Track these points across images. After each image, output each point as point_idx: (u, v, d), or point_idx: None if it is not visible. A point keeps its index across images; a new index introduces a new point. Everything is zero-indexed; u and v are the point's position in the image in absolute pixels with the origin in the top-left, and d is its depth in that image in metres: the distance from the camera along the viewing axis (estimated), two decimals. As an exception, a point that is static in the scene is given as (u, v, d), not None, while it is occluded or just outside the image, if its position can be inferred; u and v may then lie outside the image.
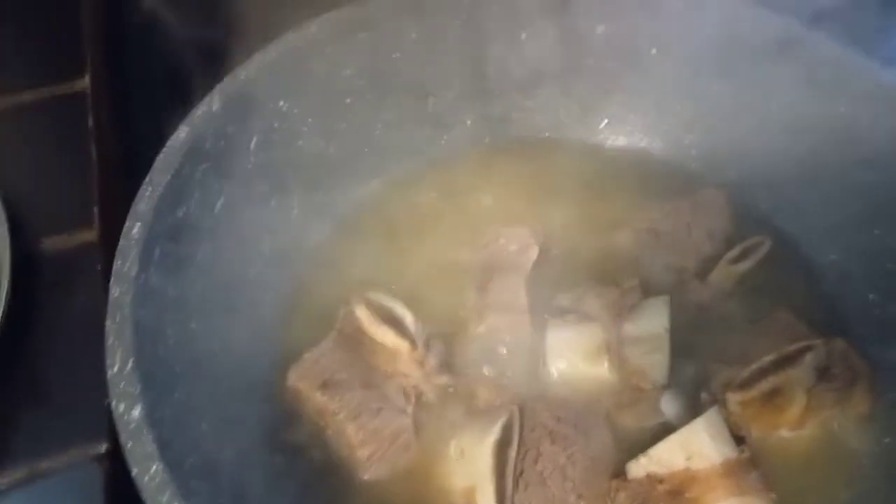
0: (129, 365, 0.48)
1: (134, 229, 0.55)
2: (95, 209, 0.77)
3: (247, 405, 0.60)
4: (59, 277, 0.72)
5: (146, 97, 0.94)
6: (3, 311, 0.64)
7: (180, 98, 0.71)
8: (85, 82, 0.89)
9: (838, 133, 0.70)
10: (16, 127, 0.85)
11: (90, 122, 0.85)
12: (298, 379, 0.61)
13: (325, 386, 0.61)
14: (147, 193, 0.57)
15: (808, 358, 0.60)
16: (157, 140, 0.63)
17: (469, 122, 0.82)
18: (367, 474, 0.59)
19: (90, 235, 0.75)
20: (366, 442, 0.59)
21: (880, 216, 0.68)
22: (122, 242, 0.55)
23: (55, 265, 0.73)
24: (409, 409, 0.61)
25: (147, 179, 0.59)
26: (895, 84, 0.66)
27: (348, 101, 0.74)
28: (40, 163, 0.82)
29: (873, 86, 0.67)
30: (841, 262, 0.71)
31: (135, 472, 0.44)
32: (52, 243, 0.74)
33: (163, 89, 0.93)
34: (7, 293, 0.65)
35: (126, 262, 0.53)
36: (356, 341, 0.65)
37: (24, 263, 0.69)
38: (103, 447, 0.61)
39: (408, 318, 0.64)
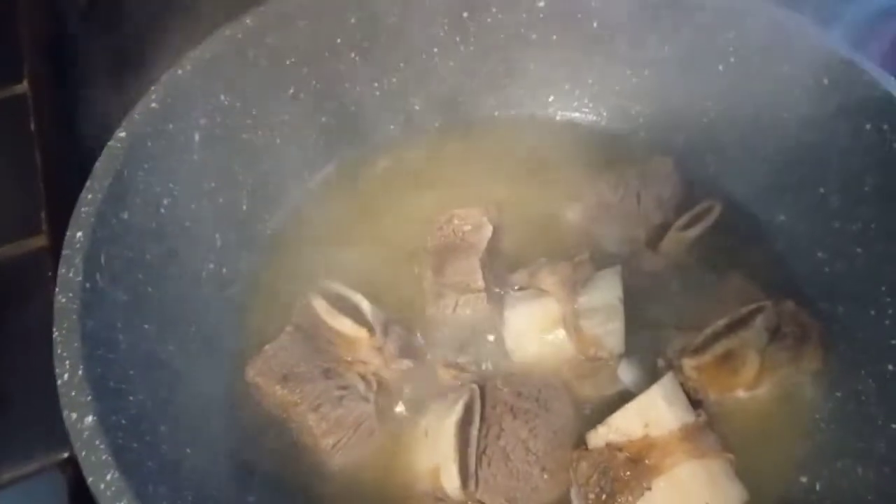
0: (79, 373, 0.48)
1: (77, 236, 0.55)
2: (43, 214, 0.76)
3: (207, 403, 0.60)
4: (10, 287, 0.71)
5: (90, 98, 0.92)
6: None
7: (124, 97, 0.70)
8: (24, 86, 0.87)
9: (780, 94, 0.70)
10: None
11: (32, 126, 0.84)
12: (257, 374, 0.61)
13: (284, 379, 0.60)
14: (88, 198, 0.56)
15: (759, 320, 0.61)
16: (105, 140, 0.62)
17: (417, 107, 0.82)
18: (334, 462, 0.59)
19: (40, 242, 0.74)
20: (329, 431, 0.59)
21: (824, 175, 0.69)
22: (65, 251, 0.54)
23: (6, 275, 0.72)
24: (371, 396, 0.61)
25: (87, 184, 0.58)
26: (832, 43, 0.66)
27: (292, 90, 0.74)
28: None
29: (811, 45, 0.68)
30: (789, 223, 0.72)
31: (90, 480, 0.44)
32: (2, 253, 0.73)
33: (106, 89, 0.91)
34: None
35: (70, 270, 0.53)
36: (314, 333, 0.65)
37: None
38: (66, 454, 0.61)
39: (364, 305, 0.65)
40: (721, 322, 0.62)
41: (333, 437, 0.59)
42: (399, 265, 0.70)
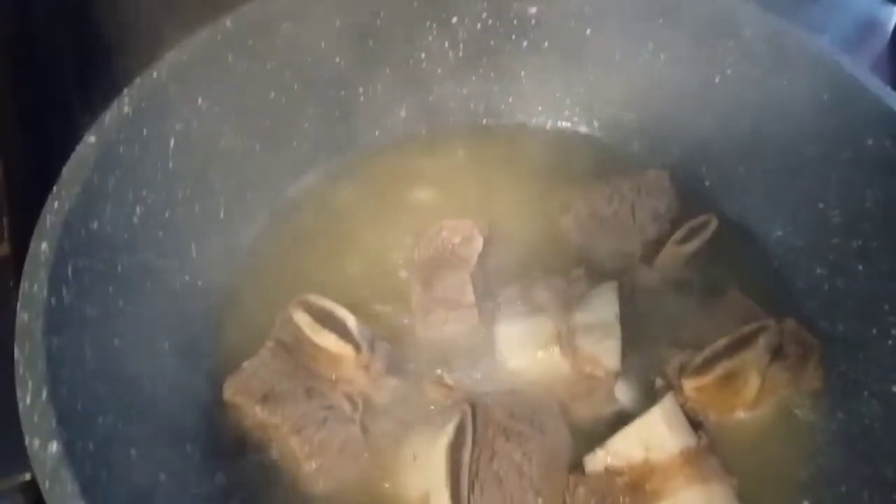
0: (43, 396, 0.44)
1: (41, 248, 0.51)
2: (5, 220, 0.72)
3: (182, 424, 0.56)
4: (-32, 299, 0.67)
5: (56, 102, 0.88)
6: None
7: (93, 100, 0.66)
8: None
9: (779, 107, 0.69)
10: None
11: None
12: (236, 393, 0.58)
13: (265, 399, 0.57)
14: (55, 207, 0.53)
15: (762, 339, 0.59)
16: (72, 145, 0.59)
17: (403, 113, 0.79)
18: (317, 487, 0.56)
19: (1, 251, 0.70)
20: (312, 454, 0.55)
21: (824, 190, 0.67)
22: (28, 264, 0.50)
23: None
24: (357, 417, 0.58)
25: (54, 192, 0.54)
26: (833, 56, 0.65)
27: (272, 95, 0.71)
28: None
29: (812, 58, 0.66)
30: (787, 238, 0.70)
31: (55, 512, 0.40)
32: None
33: (74, 91, 0.88)
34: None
35: (34, 285, 0.49)
36: (296, 349, 0.61)
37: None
38: (28, 475, 0.57)
39: (350, 320, 0.61)
40: (722, 342, 0.60)
41: (317, 460, 0.56)
42: (385, 279, 0.67)
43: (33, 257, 0.50)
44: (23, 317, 0.47)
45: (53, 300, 0.49)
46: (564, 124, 0.81)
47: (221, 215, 0.68)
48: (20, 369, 0.45)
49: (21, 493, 0.57)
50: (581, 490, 0.55)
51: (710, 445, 0.56)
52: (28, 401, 0.44)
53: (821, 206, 0.67)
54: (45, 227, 0.52)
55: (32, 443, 0.43)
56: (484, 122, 0.81)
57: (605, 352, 0.62)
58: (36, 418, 0.44)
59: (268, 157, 0.71)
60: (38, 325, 0.47)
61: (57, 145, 0.79)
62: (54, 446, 0.43)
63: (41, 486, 0.42)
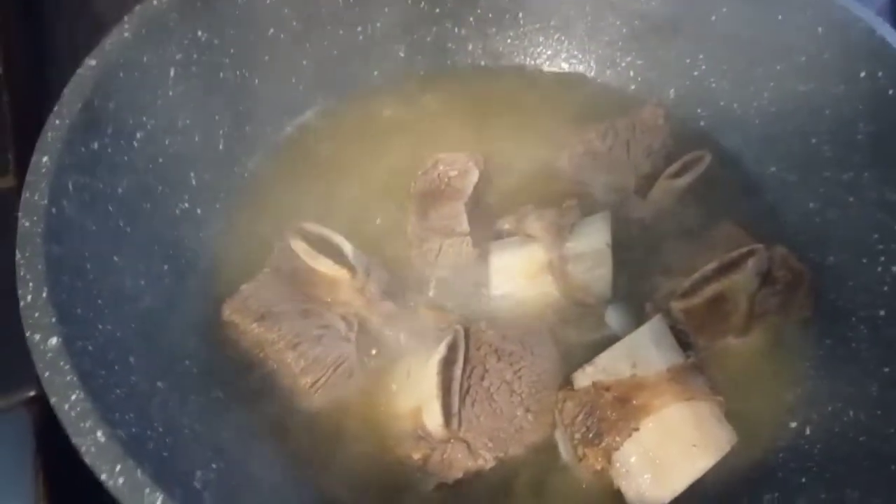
0: (43, 295, 0.45)
1: (42, 161, 0.52)
2: (10, 155, 0.73)
3: (180, 340, 0.57)
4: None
5: (60, 39, 0.89)
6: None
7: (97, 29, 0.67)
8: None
9: (775, 43, 0.70)
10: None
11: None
12: (234, 312, 0.59)
13: (262, 318, 0.58)
14: (56, 123, 0.54)
15: (751, 263, 0.60)
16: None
17: (402, 53, 0.79)
18: (311, 403, 0.57)
19: (7, 183, 0.71)
20: (308, 370, 0.57)
21: (816, 125, 0.68)
22: (29, 176, 0.51)
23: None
24: (352, 336, 0.59)
25: (55, 110, 0.55)
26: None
27: (272, 31, 0.71)
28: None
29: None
30: (780, 173, 0.71)
31: (53, 401, 0.42)
32: (-34, 193, 0.70)
33: (79, 31, 0.88)
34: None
35: (35, 194, 0.50)
36: (293, 274, 0.63)
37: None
38: (30, 392, 0.58)
39: (346, 246, 0.62)
40: (711, 266, 0.60)
41: (312, 375, 0.57)
42: (381, 210, 0.68)
43: (34, 168, 0.51)
44: (23, 223, 0.49)
45: (54, 209, 0.50)
46: (562, 65, 0.81)
47: (220, 147, 0.69)
48: (21, 271, 0.47)
49: (26, 407, 0.58)
50: (569, 404, 0.56)
51: (697, 364, 0.57)
52: (29, 299, 0.45)
53: (813, 140, 0.68)
54: (45, 141, 0.53)
55: (33, 337, 0.44)
56: (482, 63, 0.81)
57: (597, 279, 0.63)
58: (36, 314, 0.45)
59: (267, 92, 0.72)
60: (37, 230, 0.48)
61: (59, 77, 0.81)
62: (54, 340, 0.44)
63: (41, 377, 0.43)
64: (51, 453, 0.57)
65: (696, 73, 0.76)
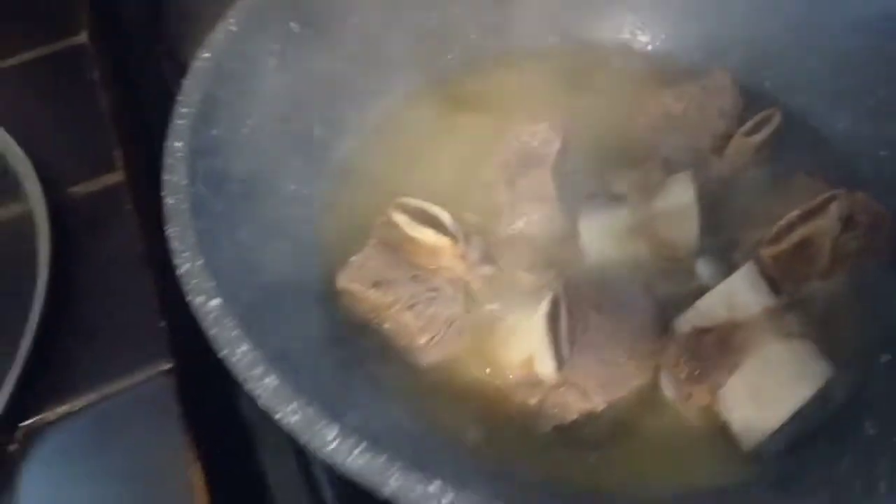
0: (199, 263, 0.50)
1: (176, 145, 0.57)
2: (116, 153, 0.78)
3: (303, 309, 0.61)
4: (93, 219, 0.73)
5: (144, 49, 0.95)
6: (50, 259, 0.66)
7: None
8: (82, 37, 0.90)
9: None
10: (22, 84, 0.86)
11: (94, 74, 0.86)
12: (349, 281, 0.63)
13: (376, 284, 0.62)
14: (183, 111, 0.59)
15: (833, 207, 0.63)
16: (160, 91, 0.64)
17: (473, 36, 0.83)
18: (428, 359, 0.61)
19: (116, 177, 0.77)
20: (424, 329, 0.61)
21: (880, 78, 0.71)
22: (167, 159, 0.56)
23: (87, 209, 0.74)
24: (459, 298, 0.63)
25: (179, 100, 0.60)
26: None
27: (356, 20, 0.75)
28: (52, 117, 0.83)
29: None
30: (849, 128, 0.74)
31: (223, 353, 0.46)
32: (81, 189, 0.76)
33: (160, 43, 0.94)
34: (49, 242, 0.67)
35: (174, 175, 0.55)
36: (396, 246, 0.66)
37: (58, 211, 0.71)
38: (167, 366, 0.63)
39: (444, 216, 0.66)
40: (795, 212, 0.63)
41: (428, 333, 0.61)
42: (470, 182, 0.72)
43: (170, 152, 0.56)
44: (169, 201, 0.53)
45: (193, 189, 0.55)
46: (628, 36, 0.84)
47: (316, 132, 0.73)
48: (174, 243, 0.51)
49: (165, 379, 0.63)
50: (672, 348, 0.59)
51: (789, 305, 0.60)
52: (187, 267, 0.50)
53: (881, 93, 0.71)
54: (176, 127, 0.57)
55: (195, 300, 0.49)
56: (550, 40, 0.85)
57: (684, 234, 0.66)
58: (195, 280, 0.49)
59: (353, 78, 0.76)
60: (184, 206, 0.53)
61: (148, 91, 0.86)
62: (215, 301, 0.48)
63: (207, 334, 0.47)
64: (194, 416, 0.62)
65: (757, 37, 0.79)
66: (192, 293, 0.49)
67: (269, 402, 0.44)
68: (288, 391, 0.44)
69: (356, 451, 0.42)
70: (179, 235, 0.51)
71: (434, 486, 0.40)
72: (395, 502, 0.41)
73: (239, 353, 0.46)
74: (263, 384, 0.45)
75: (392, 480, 0.41)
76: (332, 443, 0.42)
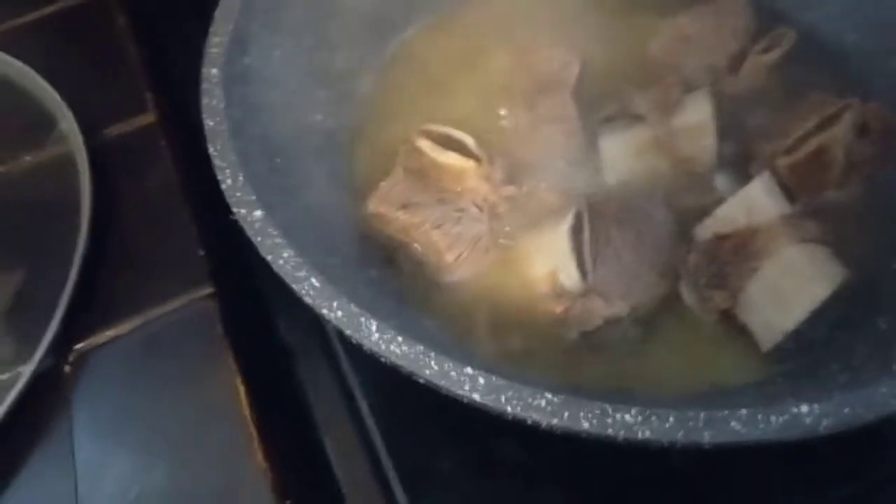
0: (240, 178, 0.53)
1: (212, 72, 0.59)
2: (148, 95, 0.81)
3: (338, 230, 0.64)
4: (127, 159, 0.76)
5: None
6: (92, 194, 0.69)
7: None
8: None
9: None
10: (56, 33, 0.88)
11: (121, 21, 0.88)
12: (379, 204, 0.66)
13: (405, 206, 0.65)
14: (216, 41, 0.61)
15: (847, 116, 0.64)
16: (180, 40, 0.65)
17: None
18: (456, 276, 0.64)
19: (148, 119, 0.79)
20: (452, 246, 0.63)
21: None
22: (204, 84, 0.59)
23: (122, 149, 0.77)
24: (485, 217, 0.66)
25: (211, 30, 0.62)
26: None
27: (370, -43, 0.77)
28: (86, 63, 0.86)
29: None
30: (861, 41, 0.75)
31: (269, 258, 0.49)
32: (116, 131, 0.78)
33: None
34: (90, 179, 0.70)
35: (213, 99, 0.57)
36: (422, 171, 0.69)
37: (97, 152, 0.74)
38: (207, 290, 0.66)
39: (468, 140, 0.68)
40: (811, 123, 0.65)
41: (455, 251, 0.63)
42: (493, 107, 0.74)
43: (206, 77, 0.58)
44: (209, 122, 0.56)
45: (230, 111, 0.57)
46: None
47: (339, 65, 0.75)
48: (217, 160, 0.54)
49: (206, 302, 0.67)
50: (692, 256, 0.61)
51: (806, 211, 0.62)
52: (229, 182, 0.53)
53: (889, 4, 0.72)
54: (211, 55, 0.60)
55: (240, 212, 0.51)
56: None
57: (703, 149, 0.68)
58: (238, 194, 0.52)
59: (372, 12, 0.78)
60: (223, 128, 0.56)
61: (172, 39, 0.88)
62: (258, 212, 0.51)
63: (253, 242, 0.50)
64: (236, 336, 0.65)
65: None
66: (237, 205, 0.52)
67: (314, 301, 0.47)
68: (331, 290, 0.47)
69: (397, 340, 0.45)
70: (220, 153, 0.54)
71: (469, 369, 0.43)
72: (433, 386, 0.44)
73: (284, 257, 0.49)
74: (308, 284, 0.48)
75: (432, 363, 0.44)
76: (374, 334, 0.45)
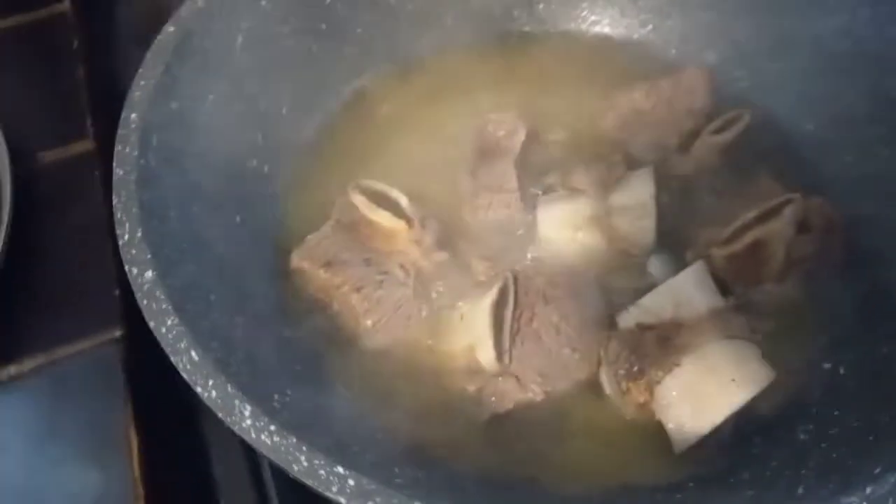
0: (138, 234, 0.50)
1: (131, 117, 0.57)
2: (89, 121, 0.79)
3: (253, 284, 0.62)
4: (63, 186, 0.74)
5: (126, 18, 0.95)
6: (9, 222, 0.66)
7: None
8: (65, 5, 0.90)
9: (813, 6, 0.71)
10: (2, 52, 0.86)
11: (75, 42, 0.87)
12: (302, 259, 0.64)
13: (328, 264, 0.63)
14: (141, 84, 0.59)
15: (788, 211, 0.63)
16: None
17: (449, 21, 0.83)
18: (373, 342, 0.62)
19: (86, 146, 0.78)
20: (370, 311, 0.61)
21: (853, 84, 0.70)
22: (120, 130, 0.57)
23: (57, 176, 0.75)
24: (410, 282, 0.64)
25: (139, 73, 0.60)
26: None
27: (328, 0, 0.75)
28: (29, 84, 0.84)
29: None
30: (818, 131, 0.73)
31: (152, 325, 0.47)
32: (51, 156, 0.76)
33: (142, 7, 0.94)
34: (11, 205, 0.68)
35: (126, 147, 0.55)
36: (353, 227, 0.67)
37: (25, 177, 0.72)
38: (118, 332, 0.64)
39: (403, 200, 0.67)
40: (751, 214, 0.63)
41: (374, 316, 0.61)
42: (434, 169, 0.72)
43: (124, 123, 0.56)
44: (118, 171, 0.54)
45: (142, 161, 0.55)
46: (605, 29, 0.84)
47: (284, 111, 0.74)
48: (118, 213, 0.52)
49: (113, 346, 0.64)
50: (614, 343, 0.59)
51: (736, 307, 0.60)
52: (126, 238, 0.51)
53: (850, 97, 0.70)
54: (133, 100, 0.58)
55: (131, 271, 0.49)
56: (527, 29, 0.84)
57: (641, 230, 0.66)
58: (133, 251, 0.50)
59: (324, 59, 0.76)
60: (131, 178, 0.54)
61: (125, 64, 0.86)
62: (149, 274, 0.49)
63: (140, 305, 0.48)
64: (138, 383, 0.63)
65: (734, 37, 0.78)
66: (129, 263, 0.50)
67: (189, 376, 0.45)
68: (209, 367, 0.45)
69: (268, 430, 0.42)
70: (123, 206, 0.52)
71: (340, 468, 0.41)
72: (304, 482, 0.42)
73: (167, 325, 0.47)
74: (187, 357, 0.45)
75: (302, 459, 0.41)
76: (246, 419, 0.43)
